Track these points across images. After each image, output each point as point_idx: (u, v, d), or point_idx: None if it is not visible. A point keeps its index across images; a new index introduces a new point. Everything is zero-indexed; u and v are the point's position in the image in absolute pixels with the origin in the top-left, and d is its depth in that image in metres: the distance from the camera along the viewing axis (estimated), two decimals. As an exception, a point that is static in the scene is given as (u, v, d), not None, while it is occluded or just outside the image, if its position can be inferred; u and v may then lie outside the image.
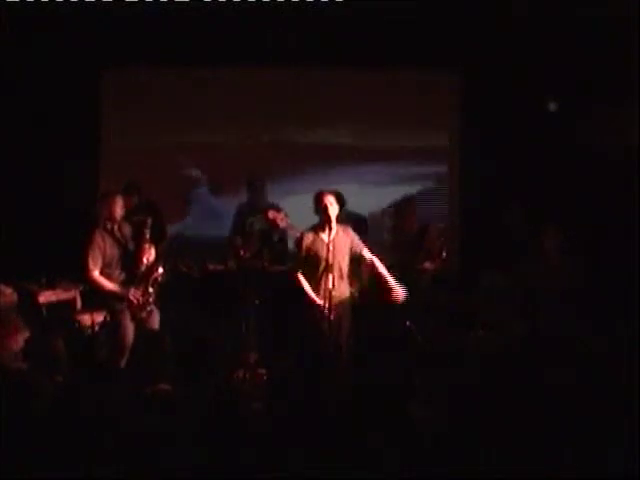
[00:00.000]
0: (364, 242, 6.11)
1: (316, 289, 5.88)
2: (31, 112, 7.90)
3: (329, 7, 7.14)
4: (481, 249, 7.80)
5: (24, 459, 3.17)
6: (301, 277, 5.91)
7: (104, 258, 6.00)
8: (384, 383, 4.20)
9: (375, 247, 6.22)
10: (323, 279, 5.85)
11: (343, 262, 5.98)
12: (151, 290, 6.07)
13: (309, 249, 5.94)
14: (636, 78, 7.09)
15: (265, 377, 6.38)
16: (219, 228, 8.07)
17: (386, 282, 5.96)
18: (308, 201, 6.10)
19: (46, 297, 6.88)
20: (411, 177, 8.43)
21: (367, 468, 3.19)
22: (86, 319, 6.77)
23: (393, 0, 7.37)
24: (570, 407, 3.67)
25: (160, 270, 6.11)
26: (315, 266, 5.93)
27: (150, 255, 6.09)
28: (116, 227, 6.09)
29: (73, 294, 7.08)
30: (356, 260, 6.09)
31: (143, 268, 6.07)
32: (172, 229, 8.04)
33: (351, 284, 6.18)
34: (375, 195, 8.30)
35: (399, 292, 5.98)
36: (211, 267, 7.40)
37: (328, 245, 5.83)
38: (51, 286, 6.99)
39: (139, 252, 6.08)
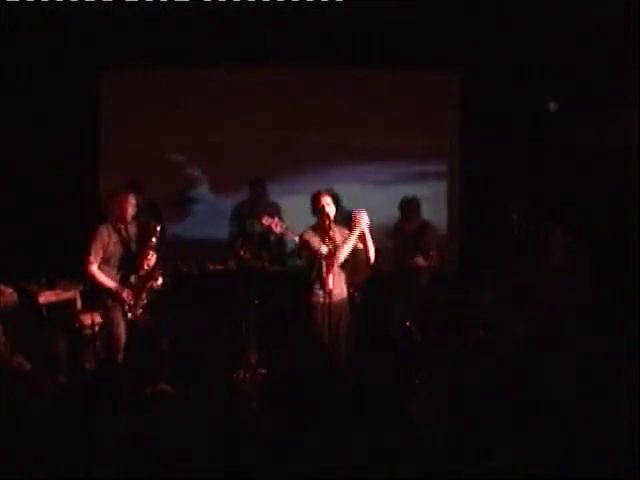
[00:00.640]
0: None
1: (316, 289, 5.89)
2: (31, 112, 7.89)
3: (329, 7, 7.14)
4: (481, 249, 7.81)
5: (24, 459, 3.17)
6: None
7: (105, 253, 5.98)
8: (384, 383, 4.20)
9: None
10: (323, 279, 5.86)
11: (342, 261, 5.98)
12: (144, 296, 6.03)
13: (309, 249, 5.95)
14: (636, 78, 7.08)
15: (265, 377, 6.38)
16: (219, 228, 8.08)
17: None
18: (308, 201, 6.11)
19: (46, 297, 6.88)
20: (411, 177, 8.43)
21: (367, 468, 3.19)
22: (86, 319, 6.77)
23: (393, 0, 7.37)
24: (570, 407, 3.67)
25: (160, 281, 6.08)
26: (315, 266, 5.93)
27: (151, 262, 6.07)
28: (123, 226, 6.07)
29: (73, 294, 7.08)
30: (353, 258, 6.08)
31: (142, 273, 6.05)
32: (172, 229, 8.04)
33: (349, 283, 6.19)
34: (375, 195, 8.30)
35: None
36: (211, 267, 7.40)
37: (327, 245, 5.84)
38: (51, 286, 6.99)
39: (141, 257, 6.05)
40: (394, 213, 7.46)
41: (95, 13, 7.22)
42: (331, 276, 5.86)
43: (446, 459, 3.30)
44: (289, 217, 7.55)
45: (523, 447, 3.38)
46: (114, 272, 6.03)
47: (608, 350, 5.29)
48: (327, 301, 5.83)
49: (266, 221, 6.37)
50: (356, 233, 5.89)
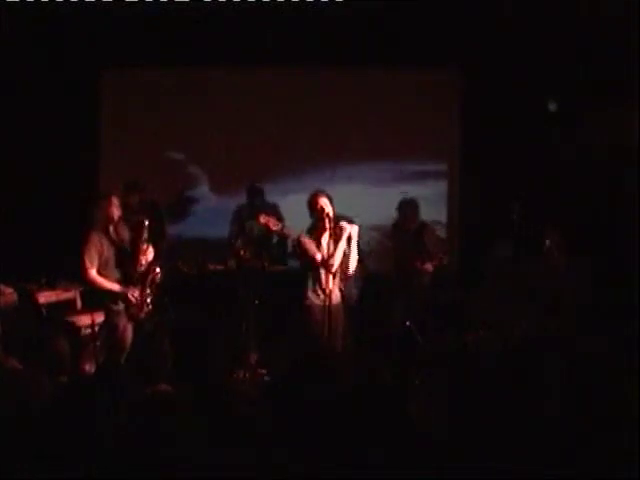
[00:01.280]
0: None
1: (315, 289, 5.89)
2: (31, 112, 7.90)
3: (329, 7, 7.14)
4: (481, 249, 7.81)
5: (24, 459, 3.17)
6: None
7: (100, 257, 5.97)
8: (384, 383, 4.20)
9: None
10: (322, 279, 5.87)
11: (340, 262, 5.98)
12: (149, 290, 6.06)
13: (305, 254, 5.93)
14: (636, 78, 7.09)
15: (265, 377, 6.38)
16: (219, 228, 8.08)
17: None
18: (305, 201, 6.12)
19: (46, 297, 6.88)
20: (411, 177, 8.43)
21: (367, 468, 3.18)
22: (86, 319, 6.77)
23: (393, 0, 7.37)
24: (570, 407, 3.66)
25: (157, 270, 6.09)
26: (314, 266, 5.94)
27: (148, 255, 6.08)
28: (112, 228, 6.06)
29: (73, 294, 7.08)
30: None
31: (141, 269, 6.06)
32: (172, 229, 8.05)
33: (344, 283, 6.20)
34: (375, 194, 8.30)
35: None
36: (211, 267, 7.40)
37: (327, 245, 5.84)
38: (51, 286, 6.99)
39: (137, 253, 6.05)
40: (393, 213, 7.47)
41: (95, 13, 7.23)
42: (331, 277, 5.87)
43: (446, 459, 3.30)
44: (289, 217, 7.57)
45: (523, 447, 3.38)
46: (114, 274, 6.04)
47: (608, 350, 5.28)
48: (326, 303, 5.83)
49: (263, 219, 6.38)
50: (343, 243, 5.86)
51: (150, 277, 6.06)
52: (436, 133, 8.42)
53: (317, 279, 5.87)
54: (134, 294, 5.98)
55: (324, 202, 5.92)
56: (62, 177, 7.90)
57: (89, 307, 6.84)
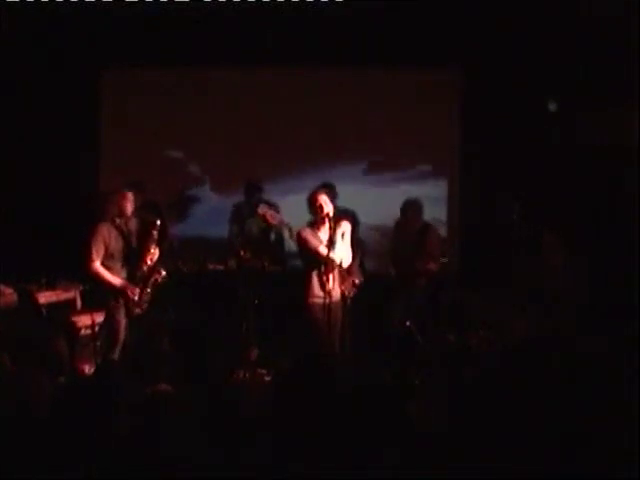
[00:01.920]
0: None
1: (317, 288, 5.90)
2: (31, 112, 7.90)
3: (329, 7, 7.14)
4: (481, 249, 7.82)
5: (24, 459, 3.17)
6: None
7: (107, 250, 5.98)
8: (384, 383, 4.20)
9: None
10: (322, 278, 5.88)
11: (338, 260, 5.99)
12: (149, 290, 6.06)
13: (307, 248, 5.95)
14: (636, 78, 7.09)
15: (265, 377, 6.38)
16: (219, 228, 8.08)
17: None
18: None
19: (46, 297, 6.88)
20: (411, 177, 8.43)
21: (367, 468, 3.18)
22: (86, 319, 6.77)
23: (393, 0, 7.37)
24: (570, 407, 3.66)
25: (163, 273, 6.10)
26: (312, 266, 5.94)
27: (154, 256, 6.08)
28: (123, 222, 6.07)
29: (73, 294, 7.08)
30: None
31: (145, 268, 6.06)
32: (173, 228, 8.04)
33: (344, 282, 6.21)
34: (375, 194, 8.30)
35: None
36: (211, 267, 7.40)
37: (326, 244, 5.85)
38: (51, 286, 6.99)
39: (144, 252, 6.06)
40: (393, 213, 7.46)
41: (95, 13, 7.23)
42: (331, 275, 5.88)
43: (446, 459, 3.30)
44: (290, 216, 7.57)
45: (523, 447, 3.38)
46: (118, 268, 6.04)
47: (608, 350, 5.28)
48: (327, 301, 5.84)
49: (261, 210, 6.37)
50: (338, 239, 5.89)
51: (153, 278, 6.06)
52: (436, 133, 8.41)
53: (319, 276, 5.88)
54: (134, 292, 5.98)
55: (324, 200, 5.93)
56: (62, 177, 7.90)
57: (89, 307, 6.85)
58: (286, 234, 6.62)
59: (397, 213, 7.38)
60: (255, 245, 7.00)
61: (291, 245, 6.67)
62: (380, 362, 6.06)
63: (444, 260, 7.24)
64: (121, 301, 6.01)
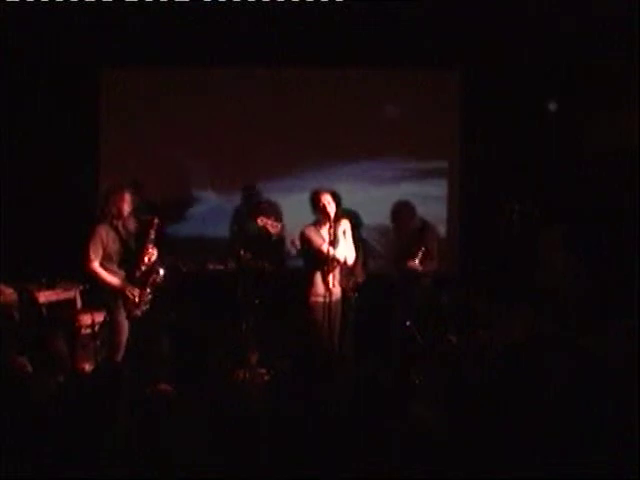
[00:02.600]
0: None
1: (319, 286, 5.91)
2: (31, 112, 7.90)
3: (329, 7, 7.14)
4: (481, 249, 7.82)
5: (23, 459, 3.17)
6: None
7: (105, 250, 5.99)
8: (384, 383, 4.20)
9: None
10: (324, 277, 5.89)
11: (345, 250, 6.01)
12: (148, 290, 6.06)
13: (310, 246, 5.96)
14: (636, 78, 7.09)
15: (265, 377, 6.38)
16: (219, 228, 8.08)
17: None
18: (308, 199, 6.12)
19: (46, 297, 6.88)
20: (411, 177, 8.42)
21: (367, 468, 3.19)
22: (86, 319, 6.77)
23: (393, 0, 7.37)
24: (570, 407, 3.66)
25: (161, 272, 6.10)
26: (315, 264, 5.95)
27: (152, 256, 6.08)
28: (120, 223, 6.08)
29: (73, 294, 7.08)
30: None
31: (144, 268, 6.07)
32: (172, 229, 8.04)
33: (347, 282, 6.22)
34: (375, 194, 8.30)
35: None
36: (211, 267, 7.40)
37: (328, 244, 5.86)
38: (51, 286, 6.98)
39: (142, 251, 6.07)
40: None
41: (95, 13, 7.23)
42: (332, 275, 5.89)
43: (446, 459, 3.30)
44: (290, 216, 7.57)
45: (523, 447, 3.38)
46: (116, 269, 6.04)
47: (608, 350, 5.29)
48: (328, 300, 5.85)
49: (262, 222, 6.40)
50: (340, 238, 5.90)
51: (152, 278, 6.06)
52: (436, 133, 8.40)
53: (322, 275, 5.90)
54: (133, 292, 5.98)
55: (327, 199, 5.93)
56: (62, 177, 7.90)
57: (89, 307, 6.85)
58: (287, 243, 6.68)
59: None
60: (255, 245, 7.00)
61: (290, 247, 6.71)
62: (380, 362, 6.06)
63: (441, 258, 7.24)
64: (120, 301, 6.00)
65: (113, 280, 5.99)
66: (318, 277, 5.93)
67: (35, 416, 3.42)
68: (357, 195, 8.02)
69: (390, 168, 8.43)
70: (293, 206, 7.78)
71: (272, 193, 8.15)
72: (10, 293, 6.57)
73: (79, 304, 7.10)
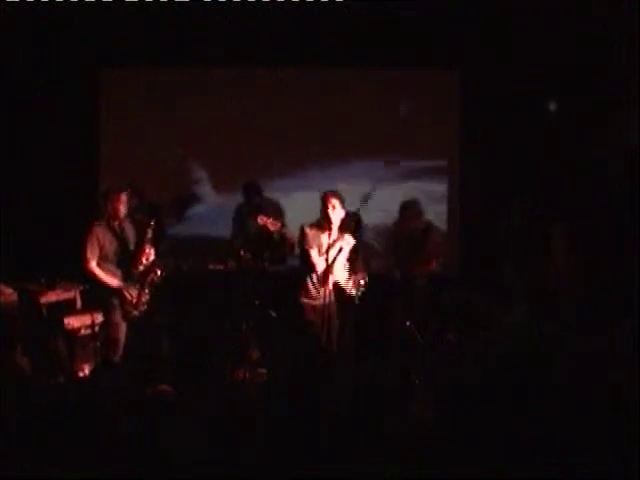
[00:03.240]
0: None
1: (310, 288, 5.91)
2: (31, 111, 7.89)
3: (329, 7, 7.14)
4: (481, 249, 7.81)
5: (24, 459, 3.17)
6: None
7: (101, 251, 6.01)
8: (384, 383, 4.20)
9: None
10: (320, 279, 5.88)
11: (338, 264, 6.00)
12: (147, 291, 6.06)
13: (307, 244, 5.95)
14: (636, 78, 7.09)
15: (265, 377, 6.38)
16: (220, 228, 8.07)
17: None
18: (310, 198, 6.12)
19: (46, 297, 6.87)
20: (410, 177, 8.42)
21: (367, 468, 3.19)
22: (86, 319, 6.77)
23: (393, 0, 7.37)
24: (570, 407, 3.67)
25: (159, 272, 6.10)
26: (312, 264, 5.94)
27: (150, 256, 6.09)
28: (117, 224, 6.10)
29: (73, 294, 7.08)
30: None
31: (141, 268, 6.07)
32: (172, 229, 8.04)
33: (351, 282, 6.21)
34: (376, 193, 8.29)
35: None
36: (211, 267, 7.40)
37: (326, 245, 5.86)
38: (51, 286, 6.98)
39: (139, 252, 6.08)
40: (394, 212, 7.46)
41: (95, 13, 7.23)
42: (330, 276, 5.88)
43: (446, 459, 3.30)
44: (291, 215, 7.57)
45: (523, 447, 3.38)
46: (114, 269, 6.05)
47: (608, 350, 5.29)
48: (320, 302, 5.85)
49: (261, 220, 6.39)
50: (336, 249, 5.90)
51: (150, 278, 6.07)
52: (436, 133, 8.40)
53: (313, 276, 5.90)
54: (131, 292, 5.99)
55: (332, 204, 5.93)
56: (62, 177, 7.89)
57: (89, 307, 6.85)
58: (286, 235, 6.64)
59: (396, 213, 7.38)
60: (255, 245, 7.00)
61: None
62: (380, 362, 6.06)
63: (442, 258, 7.24)
64: (117, 302, 6.01)
65: (110, 280, 6.01)
66: (309, 278, 5.93)
67: (35, 416, 3.42)
68: (357, 195, 8.01)
69: (390, 168, 8.43)
70: (293, 206, 7.78)
71: (272, 193, 8.14)
72: (10, 293, 6.57)
73: (79, 304, 7.09)
